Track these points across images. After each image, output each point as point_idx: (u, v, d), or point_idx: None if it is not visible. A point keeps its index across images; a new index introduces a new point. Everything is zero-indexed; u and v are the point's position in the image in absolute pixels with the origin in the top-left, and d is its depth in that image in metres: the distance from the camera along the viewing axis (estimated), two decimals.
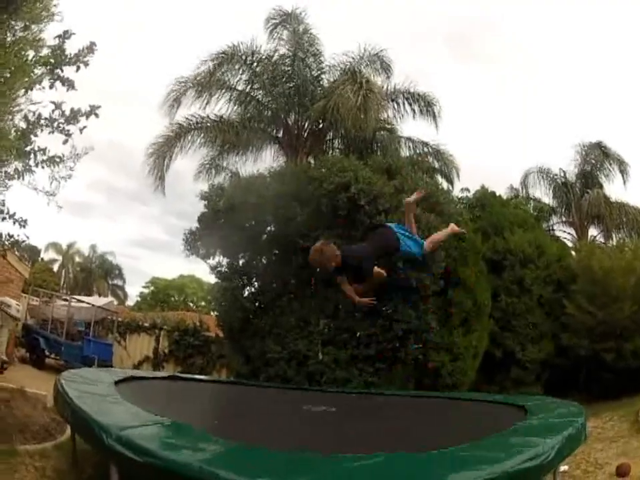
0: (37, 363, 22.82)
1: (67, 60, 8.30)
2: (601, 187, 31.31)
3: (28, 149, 8.48)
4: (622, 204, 30.12)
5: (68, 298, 29.09)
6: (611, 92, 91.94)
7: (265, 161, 24.92)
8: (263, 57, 23.50)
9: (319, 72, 23.96)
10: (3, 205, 9.01)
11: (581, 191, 31.83)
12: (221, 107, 23.37)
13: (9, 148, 7.76)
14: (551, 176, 32.63)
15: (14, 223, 9.07)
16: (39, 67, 8.14)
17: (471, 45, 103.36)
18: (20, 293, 23.86)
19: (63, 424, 9.49)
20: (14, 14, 7.68)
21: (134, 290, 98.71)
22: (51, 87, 8.41)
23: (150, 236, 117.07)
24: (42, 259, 60.47)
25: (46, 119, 8.43)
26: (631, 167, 30.76)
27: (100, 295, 54.92)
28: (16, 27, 7.94)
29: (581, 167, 32.33)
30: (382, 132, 24.13)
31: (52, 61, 8.22)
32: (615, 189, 31.31)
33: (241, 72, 23.31)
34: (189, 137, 23.41)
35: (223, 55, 22.63)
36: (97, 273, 66.24)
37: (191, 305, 71.35)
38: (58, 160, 8.65)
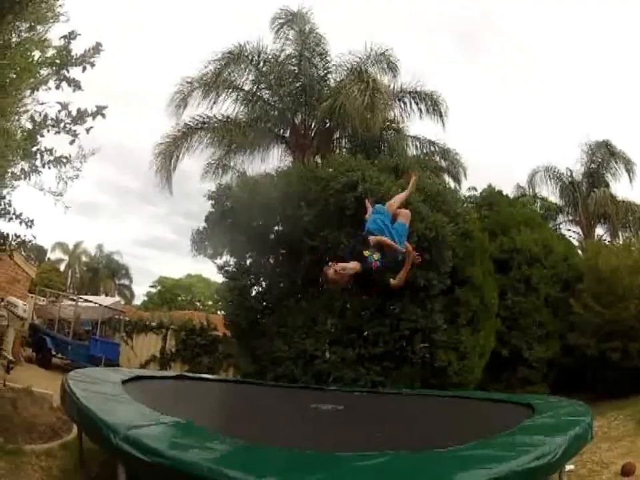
0: (44, 363, 22.89)
1: (73, 60, 8.30)
2: (607, 185, 31.27)
3: (34, 149, 8.49)
4: (628, 203, 30.13)
5: (75, 297, 29.13)
6: (617, 90, 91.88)
7: (271, 160, 24.96)
8: (270, 57, 23.52)
9: (325, 71, 23.96)
10: (10, 206, 9.05)
11: (588, 190, 31.81)
12: (227, 106, 23.45)
13: (15, 148, 7.77)
14: (558, 175, 32.67)
15: (20, 223, 9.11)
16: (45, 68, 8.15)
17: (474, 43, 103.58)
18: (26, 292, 23.86)
19: (69, 423, 9.51)
20: (19, 14, 7.68)
21: (141, 290, 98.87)
22: (57, 88, 8.41)
23: (157, 236, 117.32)
24: (48, 258, 60.52)
25: (52, 119, 8.44)
26: (637, 165, 30.84)
27: (107, 295, 54.98)
28: (21, 28, 7.94)
29: (587, 165, 32.33)
30: (389, 131, 24.11)
31: (58, 61, 8.22)
32: (621, 187, 31.36)
33: (247, 72, 23.36)
34: (196, 137, 23.44)
35: (230, 55, 22.66)
36: (104, 272, 66.15)
37: (198, 304, 71.39)
38: (65, 160, 8.66)
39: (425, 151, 24.85)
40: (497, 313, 18.11)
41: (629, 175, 30.74)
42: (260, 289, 18.54)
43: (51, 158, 8.64)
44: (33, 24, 7.90)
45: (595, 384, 18.31)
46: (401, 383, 15.49)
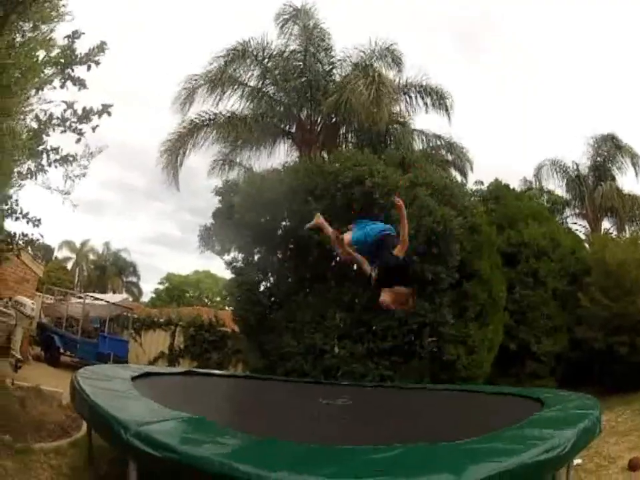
0: (52, 361, 22.92)
1: (78, 60, 8.30)
2: (614, 179, 31.26)
3: (40, 148, 8.50)
4: (634, 196, 30.14)
5: (83, 295, 29.11)
6: (620, 85, 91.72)
7: (278, 156, 24.98)
8: (274, 53, 23.55)
9: (330, 66, 23.97)
10: (17, 205, 9.07)
11: (594, 184, 31.79)
12: (233, 103, 23.46)
13: (21, 148, 7.79)
14: (564, 168, 32.63)
15: (27, 222, 9.13)
16: (50, 67, 8.15)
17: (474, 43, 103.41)
18: (34, 292, 23.90)
19: (78, 421, 9.52)
20: (22, 14, 7.69)
21: (148, 287, 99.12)
22: (62, 87, 8.40)
23: (164, 232, 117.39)
24: (56, 257, 60.54)
25: (58, 118, 8.44)
26: None
27: (114, 292, 54.99)
28: (25, 28, 7.95)
29: (593, 159, 32.29)
30: (395, 125, 24.09)
31: (62, 60, 8.22)
32: (627, 181, 31.35)
33: (252, 68, 23.37)
34: (202, 133, 23.45)
35: (234, 51, 22.68)
36: (111, 270, 66.15)
37: (206, 300, 71.47)
38: (71, 159, 8.68)
39: (431, 144, 24.89)
40: (504, 306, 18.13)
41: (634, 168, 30.69)
42: (268, 284, 18.60)
43: (57, 157, 8.64)
44: (37, 23, 7.91)
45: (603, 378, 18.27)
46: (409, 377, 15.52)
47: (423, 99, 23.78)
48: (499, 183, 23.54)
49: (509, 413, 8.31)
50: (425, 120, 32.87)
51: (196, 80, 22.51)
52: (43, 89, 8.23)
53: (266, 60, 23.38)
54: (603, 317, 18.24)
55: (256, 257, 18.60)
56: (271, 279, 18.62)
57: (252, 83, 23.56)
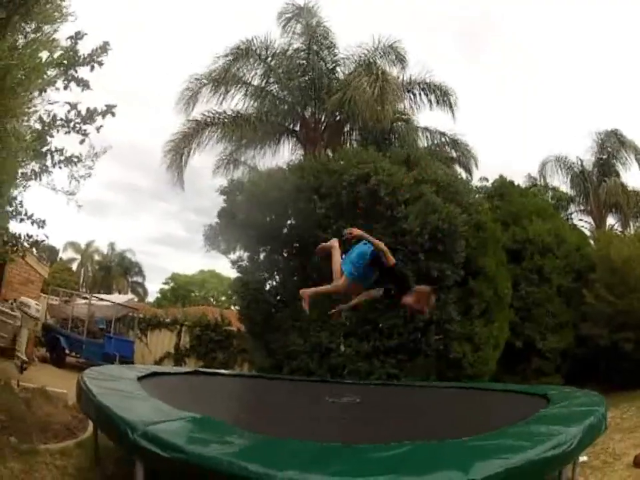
0: (57, 362, 22.93)
1: (80, 60, 8.30)
2: (618, 175, 31.28)
3: (44, 149, 8.50)
4: (639, 192, 30.05)
5: (88, 296, 29.14)
6: (622, 81, 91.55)
7: (283, 154, 25.04)
8: (278, 51, 23.62)
9: (333, 64, 24.02)
10: (22, 206, 9.06)
11: (599, 180, 31.80)
12: (237, 102, 23.52)
13: (25, 149, 7.78)
14: (568, 165, 32.62)
15: (32, 223, 9.12)
16: (53, 68, 8.14)
17: (474, 43, 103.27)
18: (39, 293, 23.93)
19: (84, 422, 9.52)
20: (25, 16, 7.69)
21: (154, 287, 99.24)
22: (65, 88, 8.41)
23: (169, 232, 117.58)
24: (60, 258, 60.57)
25: (62, 119, 8.44)
26: None
27: (120, 293, 55.13)
28: (27, 29, 7.95)
29: (597, 155, 32.27)
30: (399, 123, 24.11)
31: (65, 61, 8.21)
32: (632, 177, 31.28)
33: (256, 66, 23.44)
34: (206, 133, 23.53)
35: (238, 51, 22.73)
36: (116, 270, 66.28)
37: (212, 300, 71.57)
38: (75, 160, 8.67)
39: (435, 141, 24.93)
40: (510, 303, 18.12)
41: (639, 164, 30.67)
42: (274, 283, 18.59)
43: (62, 158, 8.64)
44: (39, 24, 7.90)
45: (608, 375, 18.24)
46: (415, 375, 15.51)
47: (427, 95, 23.87)
48: (503, 179, 23.55)
49: (515, 409, 8.29)
50: (429, 117, 32.92)
51: (199, 79, 22.54)
52: (46, 90, 8.21)
53: (269, 59, 23.47)
54: (608, 314, 18.23)
55: (261, 256, 18.59)
56: (277, 277, 18.60)
57: (255, 82, 23.67)
